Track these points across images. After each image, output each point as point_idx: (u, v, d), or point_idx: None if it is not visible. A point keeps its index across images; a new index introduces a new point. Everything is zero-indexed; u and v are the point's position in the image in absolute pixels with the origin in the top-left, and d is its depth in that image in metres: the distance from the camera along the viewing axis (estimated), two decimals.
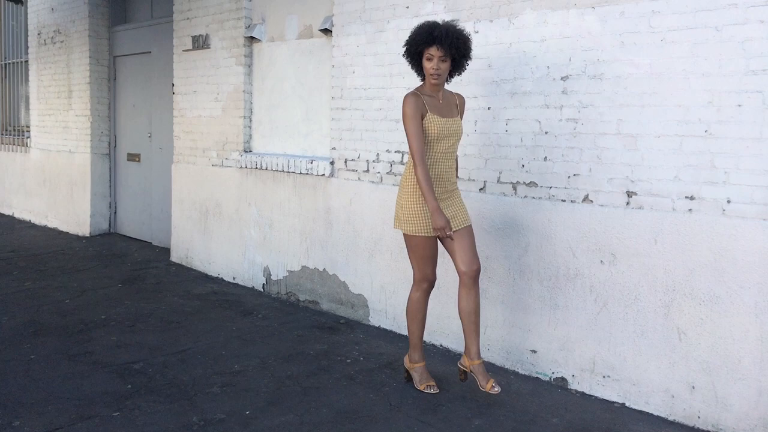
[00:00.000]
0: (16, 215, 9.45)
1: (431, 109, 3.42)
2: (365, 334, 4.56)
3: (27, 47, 9.02)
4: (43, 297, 5.24)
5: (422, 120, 3.39)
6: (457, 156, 3.66)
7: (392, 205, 4.50)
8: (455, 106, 3.59)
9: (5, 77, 9.85)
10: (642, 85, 3.36)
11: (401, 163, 4.46)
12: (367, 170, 4.71)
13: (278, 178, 5.39)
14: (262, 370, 3.84)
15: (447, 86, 3.64)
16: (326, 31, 5.00)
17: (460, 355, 4.15)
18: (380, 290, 4.66)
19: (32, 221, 9.07)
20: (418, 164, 3.34)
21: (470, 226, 3.57)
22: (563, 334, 3.70)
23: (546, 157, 3.73)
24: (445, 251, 3.60)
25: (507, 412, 3.37)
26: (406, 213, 3.51)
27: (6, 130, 9.83)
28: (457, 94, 3.68)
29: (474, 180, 4.08)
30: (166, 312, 4.95)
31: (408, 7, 4.34)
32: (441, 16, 4.15)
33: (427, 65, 3.42)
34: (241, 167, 5.74)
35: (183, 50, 6.28)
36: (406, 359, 3.74)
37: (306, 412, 3.30)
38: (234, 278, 5.91)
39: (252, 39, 5.65)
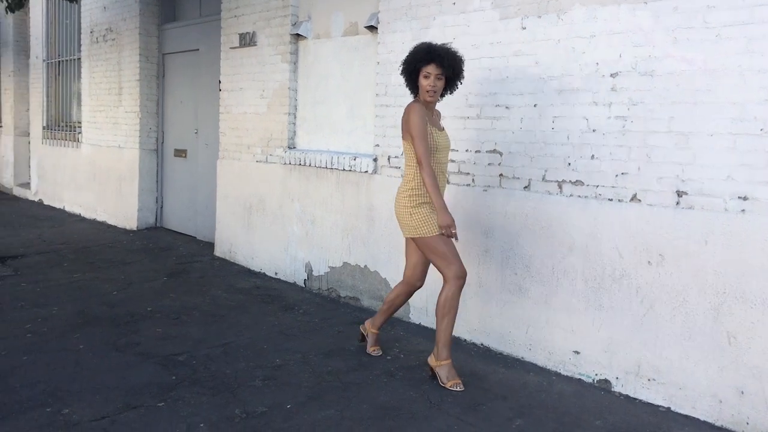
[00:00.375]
0: (67, 209, 9.72)
1: (430, 123, 3.64)
2: (405, 331, 4.55)
3: (80, 45, 9.26)
4: (91, 288, 5.37)
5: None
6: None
7: None
8: (441, 121, 3.88)
9: (59, 74, 10.14)
10: (695, 81, 3.27)
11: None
12: None
13: (321, 174, 5.42)
14: (303, 364, 3.87)
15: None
16: (371, 28, 5.00)
17: (500, 354, 4.11)
18: (421, 288, 4.63)
19: (82, 215, 9.31)
20: (426, 166, 3.52)
21: None
22: (607, 336, 3.63)
23: (593, 156, 3.66)
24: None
25: (549, 413, 3.32)
26: (417, 218, 3.62)
27: (59, 126, 10.12)
28: (437, 111, 3.90)
29: (518, 178, 4.03)
30: (209, 305, 5.02)
31: (454, 4, 4.31)
32: (488, 13, 4.12)
33: (424, 82, 3.61)
34: (285, 163, 5.79)
35: (230, 48, 6.36)
36: (431, 357, 3.72)
37: (346, 407, 3.31)
38: (276, 273, 5.97)
39: (298, 36, 5.70)
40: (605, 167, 3.62)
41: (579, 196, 3.74)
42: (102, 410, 3.16)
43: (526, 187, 4.00)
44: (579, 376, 3.76)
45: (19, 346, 3.99)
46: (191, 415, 3.15)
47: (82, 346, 4.04)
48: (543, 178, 3.91)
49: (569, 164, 3.78)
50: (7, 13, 7.47)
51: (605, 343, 3.63)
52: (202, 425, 3.05)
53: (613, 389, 3.61)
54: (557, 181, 3.84)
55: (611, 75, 3.58)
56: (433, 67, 3.57)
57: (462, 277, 3.58)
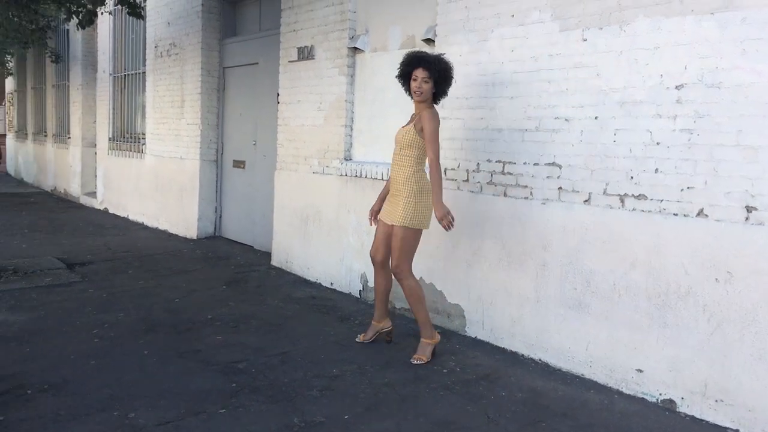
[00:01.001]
0: (131, 217, 10.04)
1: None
2: (461, 344, 4.52)
3: (144, 59, 9.58)
4: (155, 295, 5.53)
5: None
6: (431, 163, 4.05)
7: (493, 215, 4.47)
8: (416, 119, 4.13)
9: (124, 87, 10.51)
10: (764, 94, 3.17)
11: (502, 173, 4.41)
12: (467, 180, 4.68)
13: (377, 186, 5.44)
14: (359, 375, 3.89)
15: (437, 107, 4.23)
16: (429, 41, 5.02)
17: (559, 370, 4.05)
18: (477, 301, 4.62)
19: (145, 223, 9.60)
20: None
21: (392, 225, 4.21)
22: (672, 354, 3.53)
23: (657, 169, 3.59)
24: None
25: None
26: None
27: (124, 137, 10.48)
28: (424, 110, 4.12)
29: (578, 191, 3.97)
30: (267, 314, 5.10)
31: (513, 16, 4.30)
32: (547, 25, 4.09)
33: (412, 84, 4.07)
34: (341, 175, 5.85)
35: (289, 61, 6.48)
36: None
37: (403, 420, 3.31)
38: (332, 284, 6.03)
39: (355, 50, 5.76)
40: (670, 181, 3.54)
41: (642, 211, 3.66)
42: (166, 415, 3.25)
43: (586, 200, 3.94)
44: (642, 395, 3.67)
45: (87, 350, 4.13)
46: (251, 423, 3.20)
47: (147, 351, 4.16)
48: (604, 192, 3.84)
49: (632, 178, 3.70)
50: (78, 29, 7.78)
51: (670, 362, 3.54)
52: None
53: (678, 410, 3.51)
54: (619, 194, 3.77)
55: (676, 87, 3.50)
56: (420, 70, 4.03)
57: (371, 256, 4.38)
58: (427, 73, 4.01)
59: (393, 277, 4.29)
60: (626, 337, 3.73)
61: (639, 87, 3.66)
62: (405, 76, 4.14)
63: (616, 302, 3.77)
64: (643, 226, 3.65)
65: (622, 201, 3.76)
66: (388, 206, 4.25)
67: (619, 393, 3.74)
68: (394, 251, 4.17)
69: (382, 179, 5.38)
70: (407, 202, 4.09)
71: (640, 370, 3.68)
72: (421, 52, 4.18)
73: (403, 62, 4.15)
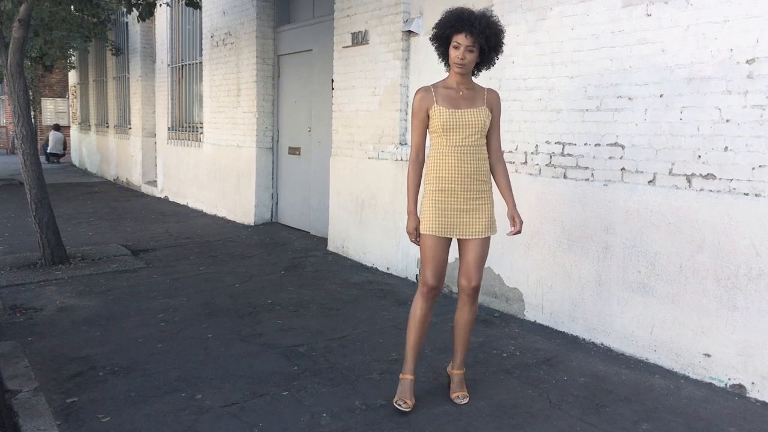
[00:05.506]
0: (190, 205, 10.28)
1: (441, 102, 3.14)
2: (520, 328, 4.48)
3: (201, 49, 9.75)
4: (215, 281, 5.65)
5: (427, 113, 3.16)
6: (500, 156, 3.28)
7: (552, 197, 4.39)
8: (482, 98, 3.20)
9: (182, 78, 10.73)
10: None
11: (562, 154, 4.32)
12: (525, 162, 4.61)
13: None
14: (419, 360, 3.88)
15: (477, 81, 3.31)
16: None
17: (622, 354, 3.97)
18: (536, 285, 4.56)
19: (204, 210, 9.82)
20: (410, 160, 3.22)
21: (487, 238, 3.22)
22: (742, 338, 3.41)
23: (727, 147, 3.45)
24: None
25: (678, 417, 3.17)
26: (421, 210, 3.24)
27: (182, 127, 10.71)
28: (489, 89, 3.27)
29: (642, 172, 3.86)
30: (325, 299, 5.16)
31: None
32: (609, 1, 3.97)
33: (453, 53, 3.09)
34: (396, 160, 5.84)
35: (343, 47, 6.49)
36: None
37: (464, 403, 3.30)
38: (388, 268, 6.04)
39: (410, 33, 5.72)
40: (740, 160, 3.40)
41: (710, 191, 3.54)
42: (231, 397, 3.32)
43: (650, 181, 3.83)
44: (710, 380, 3.57)
45: (154, 334, 4.26)
46: (314, 405, 3.25)
47: (210, 335, 4.26)
48: (670, 172, 3.72)
49: (699, 157, 3.58)
50: (138, 21, 7.97)
51: (740, 346, 3.42)
52: (324, 415, 3.14)
53: (748, 395, 3.40)
54: (686, 174, 3.65)
55: (747, 61, 3.35)
56: (463, 37, 3.02)
57: (424, 284, 3.21)
58: (472, 40, 3.03)
59: (466, 303, 3.39)
60: (693, 320, 3.63)
61: (707, 62, 3.53)
62: (443, 39, 3.14)
63: (683, 285, 3.67)
64: (711, 206, 3.53)
65: (689, 181, 3.63)
66: (463, 217, 3.17)
67: (686, 378, 3.65)
68: (478, 266, 3.25)
69: None
70: (492, 203, 3.25)
71: (707, 355, 3.57)
72: (463, 10, 3.08)
73: (442, 22, 3.12)
